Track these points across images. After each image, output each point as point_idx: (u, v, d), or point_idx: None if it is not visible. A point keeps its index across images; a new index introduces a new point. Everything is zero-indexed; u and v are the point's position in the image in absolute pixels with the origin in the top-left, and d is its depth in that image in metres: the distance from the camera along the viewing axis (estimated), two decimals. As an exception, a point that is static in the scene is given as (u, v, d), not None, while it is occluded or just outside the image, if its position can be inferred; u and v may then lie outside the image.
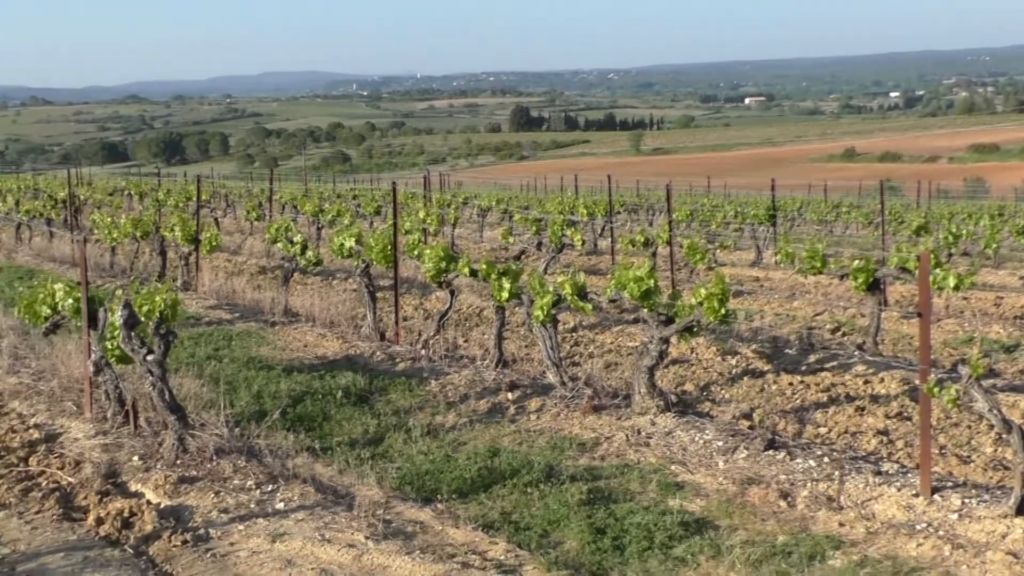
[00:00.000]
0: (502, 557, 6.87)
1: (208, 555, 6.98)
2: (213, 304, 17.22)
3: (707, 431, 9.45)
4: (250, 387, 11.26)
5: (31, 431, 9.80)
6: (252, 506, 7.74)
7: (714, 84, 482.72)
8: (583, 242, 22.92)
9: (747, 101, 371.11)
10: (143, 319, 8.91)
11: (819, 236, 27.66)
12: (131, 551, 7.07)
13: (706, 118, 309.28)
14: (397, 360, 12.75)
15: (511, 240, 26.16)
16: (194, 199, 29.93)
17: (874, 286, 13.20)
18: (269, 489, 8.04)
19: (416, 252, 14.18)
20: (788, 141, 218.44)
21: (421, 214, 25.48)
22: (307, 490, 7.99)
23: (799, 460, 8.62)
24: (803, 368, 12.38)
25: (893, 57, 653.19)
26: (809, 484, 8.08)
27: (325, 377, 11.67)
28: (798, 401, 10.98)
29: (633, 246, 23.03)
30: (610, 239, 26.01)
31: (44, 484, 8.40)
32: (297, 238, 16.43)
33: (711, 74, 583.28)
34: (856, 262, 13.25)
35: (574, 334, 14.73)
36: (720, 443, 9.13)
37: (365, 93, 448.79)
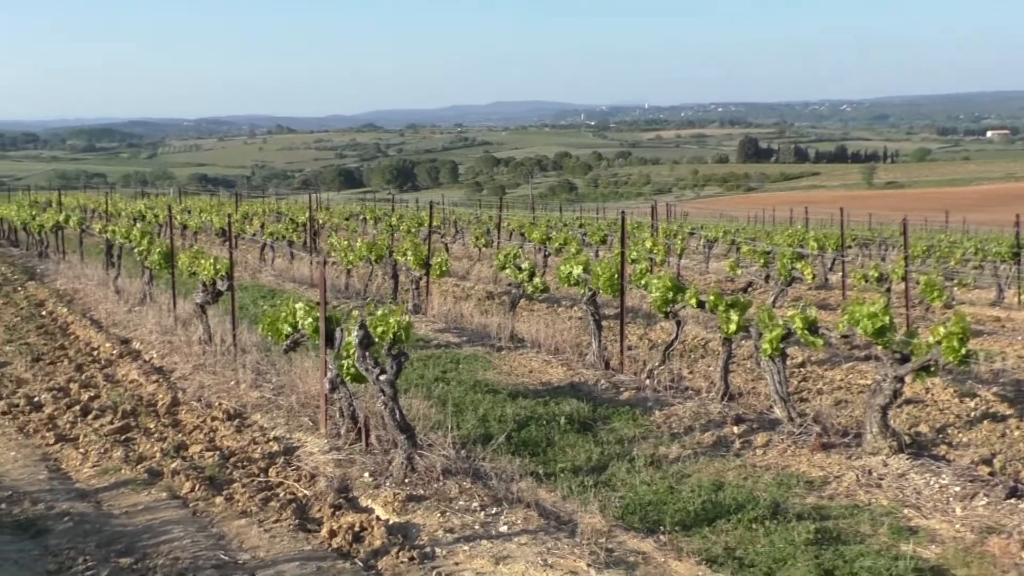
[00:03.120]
0: (725, 593, 6.75)
1: (433, 573, 7.11)
2: (441, 327, 17.62)
3: (943, 475, 9.06)
4: (476, 410, 11.45)
5: (271, 443, 10.25)
6: (476, 527, 7.86)
7: (953, 116, 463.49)
8: (813, 276, 22.41)
9: (989, 134, 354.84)
10: (377, 340, 9.19)
11: (1067, 276, 26.17)
12: (361, 564, 7.28)
13: (943, 151, 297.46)
14: (621, 389, 12.75)
15: (738, 272, 25.81)
16: (425, 225, 30.74)
17: None
18: (493, 512, 8.14)
19: (643, 281, 14.16)
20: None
21: (648, 243, 25.44)
22: (530, 514, 8.05)
23: (1044, 511, 8.16)
24: (1049, 414, 11.73)
25: None
26: (1055, 537, 7.64)
27: (549, 403, 11.76)
28: (1043, 449, 10.39)
29: (866, 281, 22.36)
30: (841, 273, 25.33)
31: (282, 495, 8.76)
32: (525, 265, 16.65)
33: (950, 106, 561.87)
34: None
35: (802, 369, 14.40)
36: (957, 488, 8.74)
37: (593, 123, 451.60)
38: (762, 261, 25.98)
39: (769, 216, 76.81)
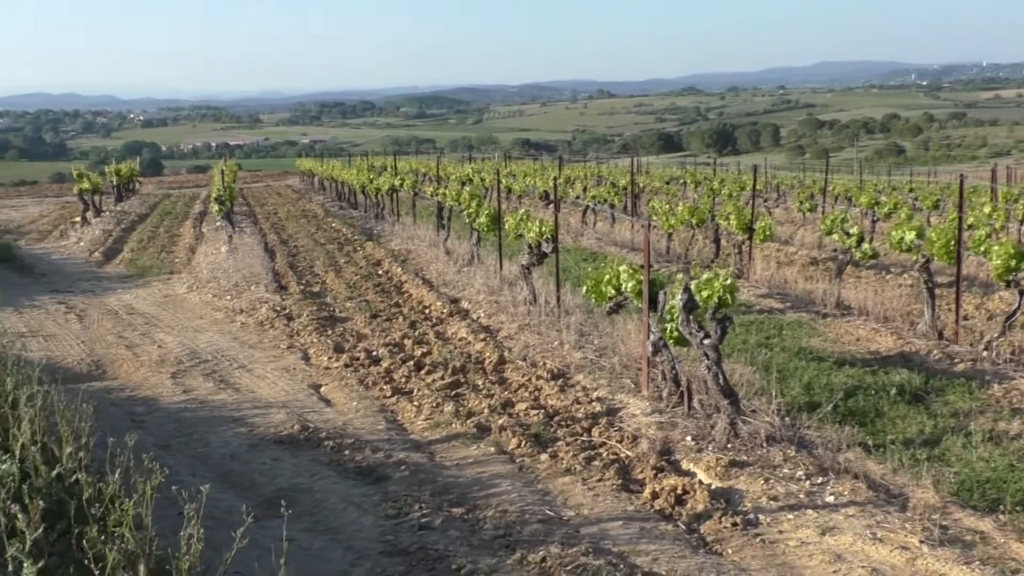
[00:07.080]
0: (1073, 580, 6.32)
1: (757, 540, 7.03)
2: (764, 293, 17.34)
3: None
4: (800, 378, 11.20)
5: (593, 404, 10.42)
6: (801, 496, 7.71)
7: None
8: None
9: None
10: (701, 304, 9.14)
11: None
12: (683, 527, 7.29)
13: None
14: (955, 360, 12.14)
15: (1088, 240, 24.01)
16: (747, 189, 30.28)
17: None
18: (819, 481, 7.95)
19: (983, 248, 13.40)
20: None
21: (987, 209, 24.10)
22: (858, 486, 7.81)
23: None
24: None
25: None
26: None
27: (878, 372, 11.36)
28: None
29: None
30: None
31: (604, 455, 8.90)
32: (853, 230, 16.12)
33: None
34: None
35: None
36: None
37: (924, 83, 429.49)
38: (1116, 228, 24.08)
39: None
